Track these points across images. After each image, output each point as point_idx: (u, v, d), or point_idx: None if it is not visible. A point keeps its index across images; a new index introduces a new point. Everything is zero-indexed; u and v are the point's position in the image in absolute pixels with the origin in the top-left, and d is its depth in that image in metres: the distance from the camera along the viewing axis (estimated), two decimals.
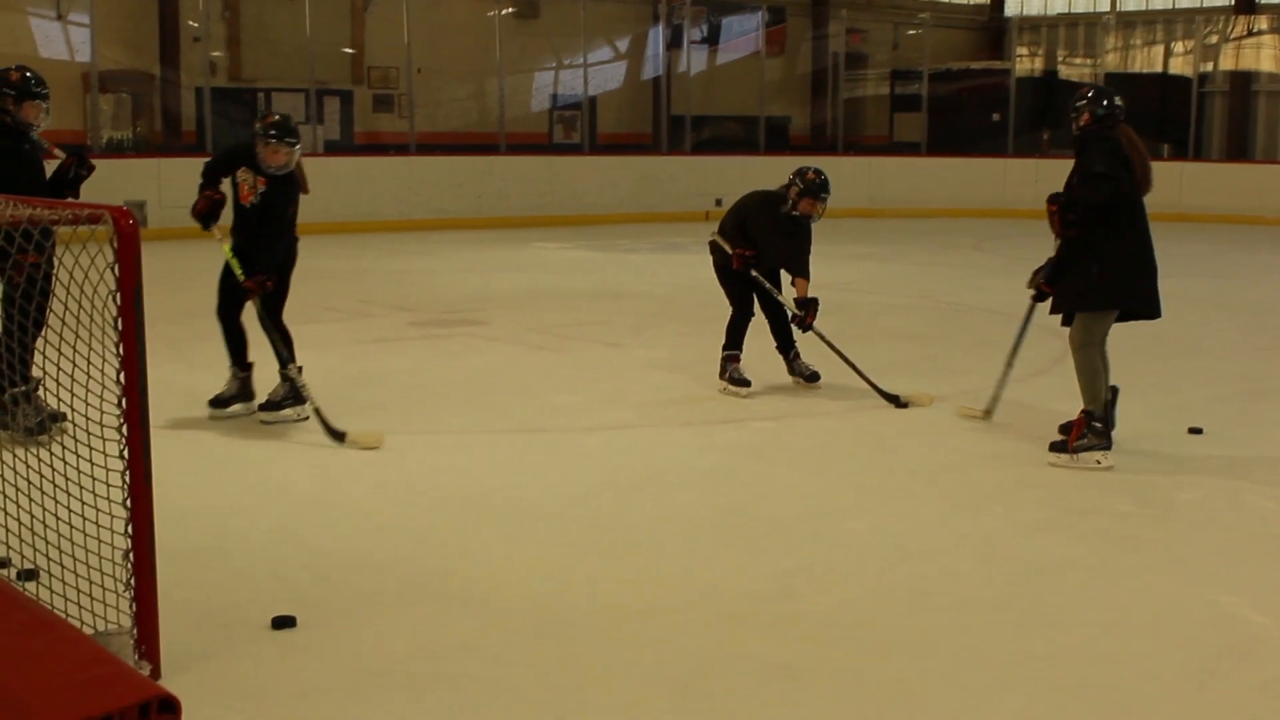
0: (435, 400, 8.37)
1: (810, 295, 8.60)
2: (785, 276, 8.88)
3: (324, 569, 5.41)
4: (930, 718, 4.19)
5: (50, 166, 7.51)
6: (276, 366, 7.84)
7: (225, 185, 7.87)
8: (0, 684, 2.03)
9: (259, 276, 7.66)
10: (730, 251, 8.66)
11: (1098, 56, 28.25)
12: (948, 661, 4.60)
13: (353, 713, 4.15)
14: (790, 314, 8.71)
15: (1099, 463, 7.05)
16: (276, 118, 7.90)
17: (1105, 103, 7.55)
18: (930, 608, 5.12)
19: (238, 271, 7.72)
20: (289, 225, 7.86)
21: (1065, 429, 7.39)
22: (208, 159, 8.02)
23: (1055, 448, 7.26)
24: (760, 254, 8.69)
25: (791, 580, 5.38)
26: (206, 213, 7.71)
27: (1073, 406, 8.44)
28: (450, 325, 11.25)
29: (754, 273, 8.69)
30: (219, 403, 8.02)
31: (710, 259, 8.94)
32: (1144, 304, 7.68)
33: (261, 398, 8.00)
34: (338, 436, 7.41)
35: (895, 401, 8.42)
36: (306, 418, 7.77)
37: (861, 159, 24.53)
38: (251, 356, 8.04)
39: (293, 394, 7.87)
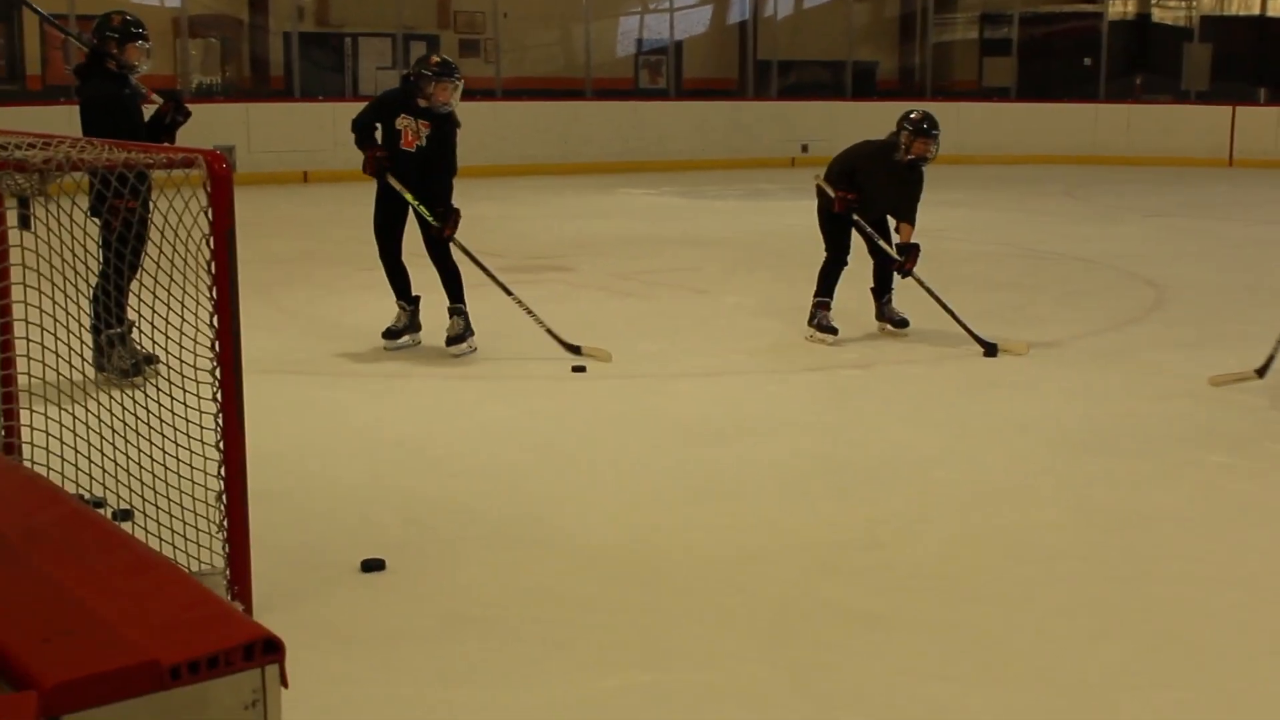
0: (522, 346, 8.37)
1: (912, 241, 8.57)
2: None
3: (413, 513, 5.45)
4: (1020, 669, 4.16)
5: (147, 111, 7.58)
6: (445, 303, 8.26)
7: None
8: (107, 623, 2.06)
9: (452, 217, 7.99)
10: (833, 195, 8.60)
11: None
12: (1038, 613, 4.56)
13: (442, 654, 4.19)
14: (898, 266, 8.65)
15: None
16: (439, 58, 8.23)
17: None
18: (1021, 558, 5.08)
19: (429, 218, 7.98)
20: (455, 161, 8.17)
21: None
22: (355, 115, 8.23)
23: None
24: (870, 201, 8.62)
25: (879, 529, 5.36)
26: (377, 172, 8.06)
27: (1160, 355, 8.35)
28: (537, 271, 11.26)
29: (856, 216, 8.62)
30: (391, 334, 8.33)
31: (814, 203, 8.87)
32: None
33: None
34: (574, 349, 7.99)
35: (991, 349, 8.33)
36: (475, 349, 8.20)
37: (950, 104, 24.17)
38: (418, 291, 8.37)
39: (466, 326, 8.23)
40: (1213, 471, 6.19)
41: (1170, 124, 24.04)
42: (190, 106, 7.68)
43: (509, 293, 8.19)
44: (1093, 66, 25.85)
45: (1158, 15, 29.14)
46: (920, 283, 8.63)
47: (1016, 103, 25.18)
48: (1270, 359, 7.50)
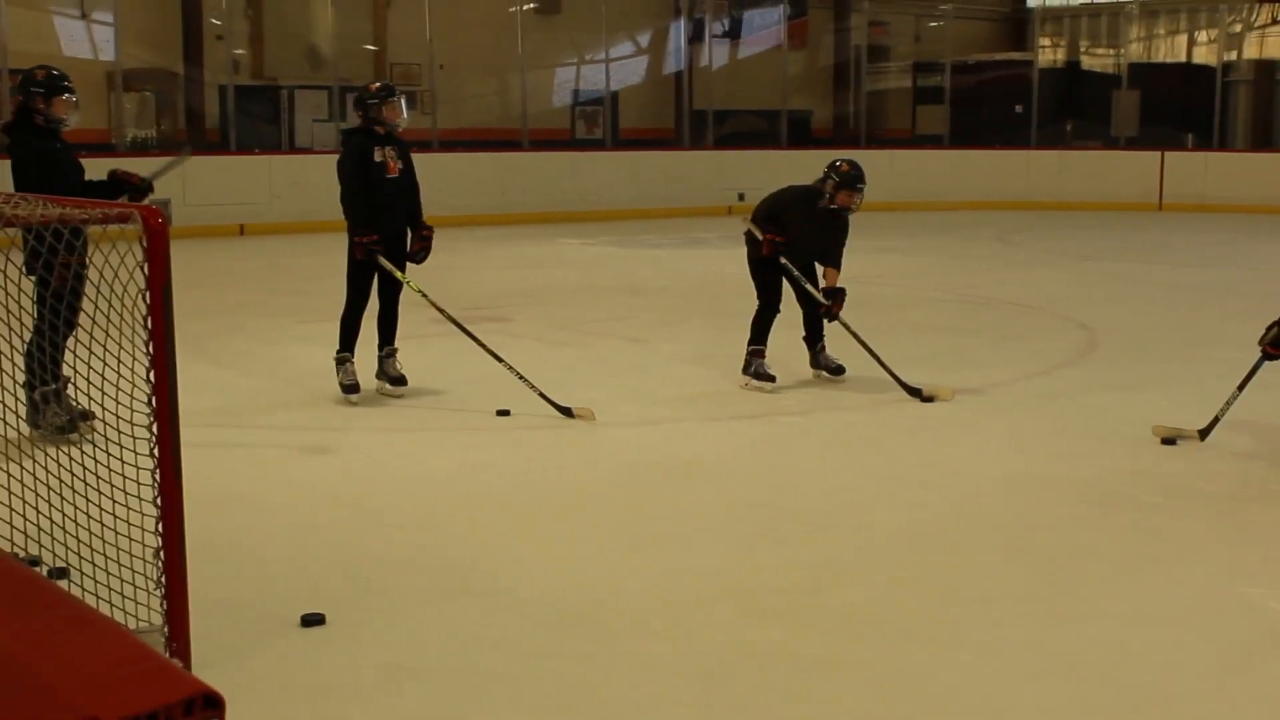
0: (461, 397, 8.40)
1: (838, 285, 8.62)
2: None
3: (352, 565, 5.44)
4: (957, 710, 4.20)
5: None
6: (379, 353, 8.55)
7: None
8: (46, 680, 2.05)
9: (426, 232, 8.55)
10: (761, 237, 8.64)
11: (1121, 47, 28.15)
12: (974, 653, 4.61)
13: (382, 707, 4.18)
14: (824, 310, 8.70)
15: None
16: (375, 83, 8.55)
17: None
18: (957, 600, 5.13)
19: (416, 288, 8.40)
20: None
21: None
22: (347, 194, 8.29)
23: None
24: (796, 247, 8.67)
25: (817, 574, 5.40)
26: (368, 257, 8.26)
27: (1093, 397, 8.46)
28: (474, 322, 11.18)
29: (783, 260, 8.67)
30: (356, 388, 8.38)
31: (745, 250, 8.90)
32: None
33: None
34: (564, 411, 7.93)
35: (917, 395, 8.41)
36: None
37: (884, 152, 24.48)
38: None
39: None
40: (1145, 512, 6.26)
41: (1101, 169, 24.39)
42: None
43: (499, 359, 8.22)
44: (1024, 113, 26.21)
45: (1086, 63, 29.60)
46: (846, 327, 8.68)
47: (949, 150, 25.50)
48: (1214, 421, 7.32)
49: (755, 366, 8.76)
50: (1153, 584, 5.33)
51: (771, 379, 8.70)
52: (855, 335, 8.69)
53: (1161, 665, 4.53)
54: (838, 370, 8.94)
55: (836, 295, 8.61)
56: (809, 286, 8.75)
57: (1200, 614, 5.01)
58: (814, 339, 8.99)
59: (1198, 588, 5.29)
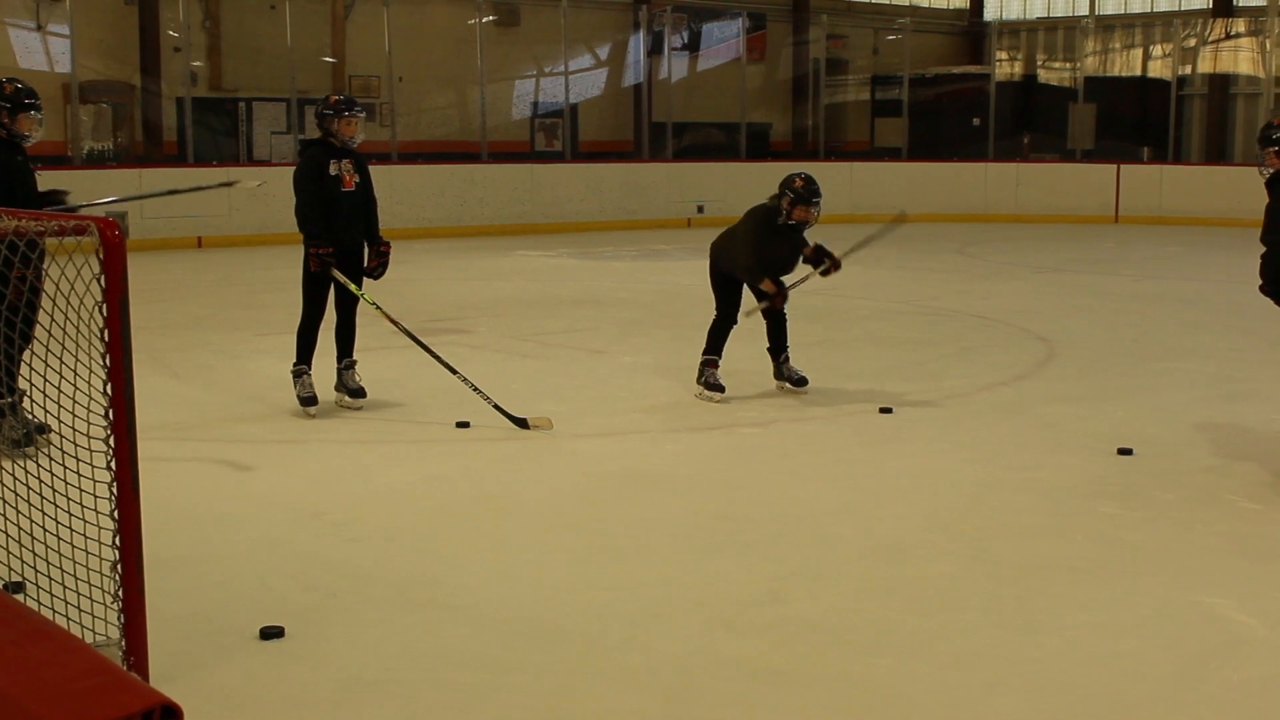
0: (420, 409, 8.37)
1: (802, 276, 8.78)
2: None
3: (312, 578, 5.41)
4: None
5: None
6: (337, 365, 8.47)
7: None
8: (6, 693, 2.03)
9: (384, 247, 8.37)
10: (773, 293, 8.67)
11: (1077, 60, 28.35)
12: (937, 663, 4.61)
13: None
14: (823, 269, 8.84)
15: None
16: (336, 95, 8.40)
17: None
18: (919, 610, 5.13)
19: (370, 300, 8.25)
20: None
21: None
22: (302, 207, 8.16)
23: None
24: (769, 266, 8.69)
25: (780, 584, 5.40)
26: (323, 268, 8.14)
27: (1052, 408, 8.50)
28: (434, 334, 11.22)
29: (782, 279, 8.75)
30: (314, 400, 8.34)
31: (705, 262, 8.91)
32: None
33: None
34: (520, 423, 7.90)
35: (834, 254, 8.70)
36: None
37: (843, 164, 24.58)
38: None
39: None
40: (1104, 521, 6.29)
41: (1058, 182, 24.55)
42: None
43: (454, 371, 8.19)
44: (981, 126, 26.37)
45: (1043, 76, 29.83)
46: (845, 256, 8.84)
47: (908, 162, 25.61)
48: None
49: (708, 376, 8.79)
50: (1112, 594, 5.35)
51: (722, 389, 8.72)
52: (852, 250, 8.88)
53: (1121, 675, 4.55)
54: (800, 382, 8.96)
55: (823, 251, 8.79)
56: (815, 269, 8.87)
57: (1159, 623, 5.04)
58: (778, 350, 9.01)
59: (1157, 597, 5.31)
